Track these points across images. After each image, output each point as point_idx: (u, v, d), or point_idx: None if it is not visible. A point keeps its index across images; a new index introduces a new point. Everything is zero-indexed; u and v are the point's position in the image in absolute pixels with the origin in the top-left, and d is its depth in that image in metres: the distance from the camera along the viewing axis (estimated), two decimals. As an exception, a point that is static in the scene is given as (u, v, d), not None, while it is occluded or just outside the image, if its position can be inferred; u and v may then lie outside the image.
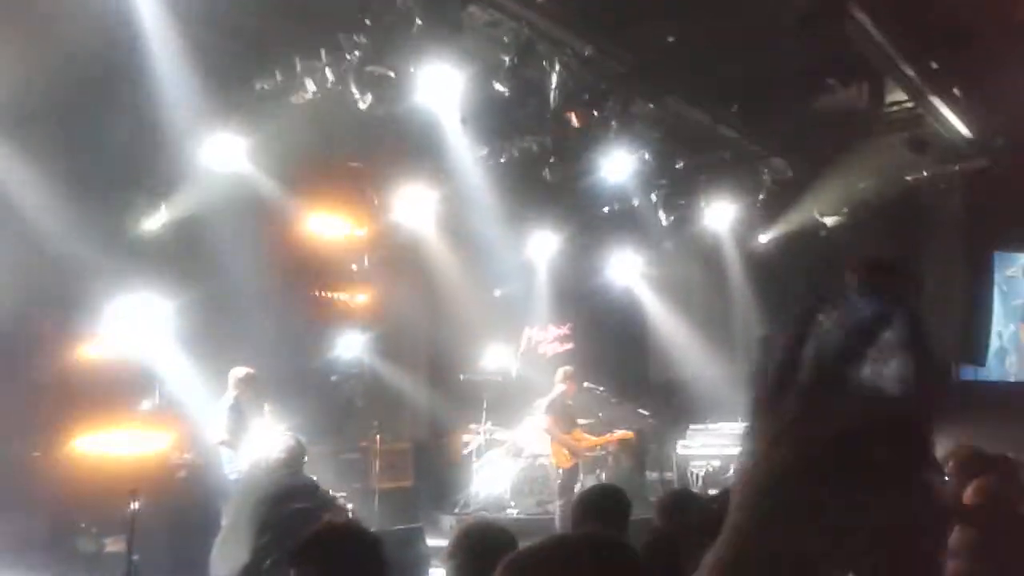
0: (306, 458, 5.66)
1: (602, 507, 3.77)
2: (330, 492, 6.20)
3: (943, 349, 12.05)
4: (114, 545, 7.61)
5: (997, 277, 13.66)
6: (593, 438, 10.63)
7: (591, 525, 3.64)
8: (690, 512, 3.87)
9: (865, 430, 0.91)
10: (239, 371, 8.31)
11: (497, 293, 12.79)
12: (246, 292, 9.20)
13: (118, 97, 7.58)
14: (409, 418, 12.19)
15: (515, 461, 11.25)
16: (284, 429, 8.02)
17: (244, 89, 8.06)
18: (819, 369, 0.95)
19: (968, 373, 13.26)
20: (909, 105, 9.81)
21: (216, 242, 8.92)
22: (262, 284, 9.34)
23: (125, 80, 7.41)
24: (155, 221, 9.06)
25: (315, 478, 5.82)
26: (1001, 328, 13.94)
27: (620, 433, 10.95)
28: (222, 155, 8.62)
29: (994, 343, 13.66)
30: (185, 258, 8.97)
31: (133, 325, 8.73)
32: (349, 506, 6.22)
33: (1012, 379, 14.03)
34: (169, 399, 8.77)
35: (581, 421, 10.71)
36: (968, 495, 4.22)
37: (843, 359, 0.95)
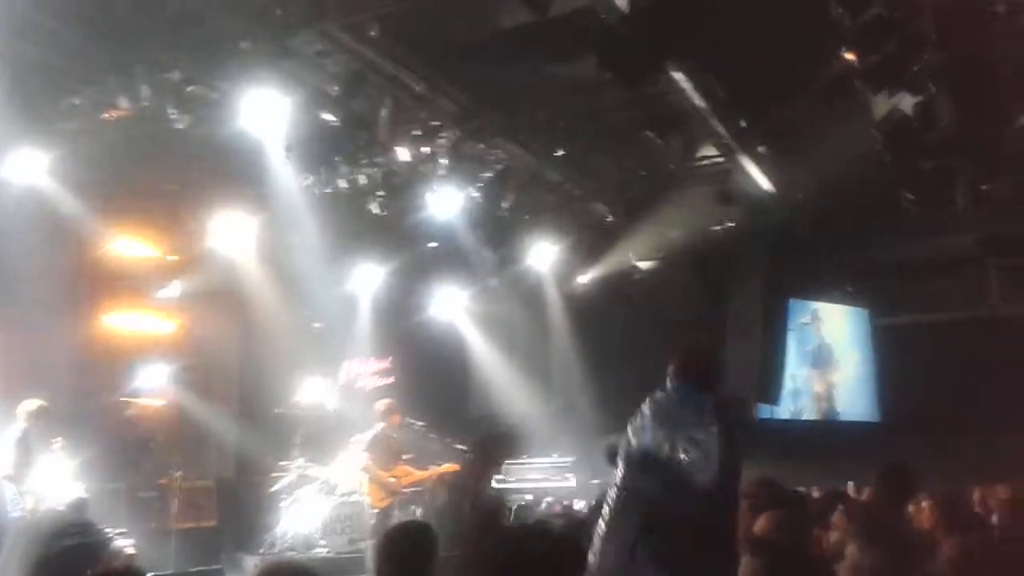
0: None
1: (402, 548, 3.71)
2: (107, 531, 5.80)
3: (742, 389, 12.80)
4: None
5: (792, 323, 14.68)
6: (417, 472, 10.49)
7: (392, 567, 3.58)
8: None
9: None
10: (30, 403, 7.70)
11: (317, 325, 12.48)
12: (40, 317, 8.53)
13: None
14: (215, 454, 11.62)
15: (327, 499, 10.94)
16: (74, 465, 7.50)
17: (52, 102, 7.53)
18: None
19: (764, 411, 14.13)
20: (718, 159, 10.42)
21: (9, 261, 8.23)
22: (57, 308, 8.69)
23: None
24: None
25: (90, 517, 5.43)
26: (795, 371, 14.97)
27: (445, 466, 10.89)
28: (22, 169, 8.01)
29: (788, 384, 14.64)
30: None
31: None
32: (129, 544, 5.82)
33: (804, 418, 15.10)
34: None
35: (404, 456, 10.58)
36: (759, 526, 4.45)
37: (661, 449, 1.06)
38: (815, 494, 7.04)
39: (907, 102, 7.65)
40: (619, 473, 2.58)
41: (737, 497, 3.00)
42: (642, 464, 2.52)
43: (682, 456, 2.57)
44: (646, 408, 2.67)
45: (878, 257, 13.39)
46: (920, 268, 13.01)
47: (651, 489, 2.51)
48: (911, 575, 2.87)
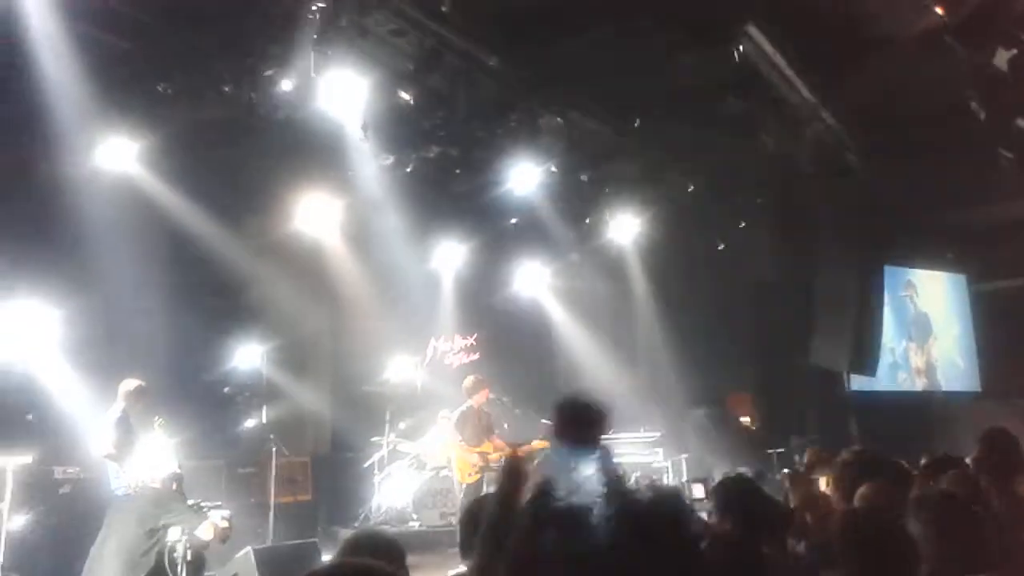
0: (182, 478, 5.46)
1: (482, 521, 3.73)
2: (203, 504, 6.00)
3: (834, 358, 12.46)
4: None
5: (889, 294, 14.20)
6: (507, 447, 10.56)
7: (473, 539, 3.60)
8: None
9: None
10: (129, 383, 7.99)
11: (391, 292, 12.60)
12: (137, 300, 8.87)
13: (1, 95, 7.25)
14: (310, 431, 11.94)
15: (419, 473, 11.14)
16: (174, 444, 7.78)
17: (139, 91, 7.79)
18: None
19: (862, 383, 13.75)
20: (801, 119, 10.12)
21: (105, 247, 8.57)
22: (154, 292, 9.02)
23: (10, 78, 7.09)
24: (42, 224, 8.66)
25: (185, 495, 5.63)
26: (894, 344, 14.51)
27: (537, 443, 10.95)
28: (113, 157, 8.32)
29: (888, 358, 14.19)
30: (72, 264, 8.59)
31: (16, 333, 8.32)
32: (225, 515, 6.00)
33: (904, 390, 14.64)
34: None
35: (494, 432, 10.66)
36: (857, 497, 4.36)
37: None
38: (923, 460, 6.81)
39: (1001, 57, 7.29)
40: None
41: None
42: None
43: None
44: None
45: (976, 219, 12.85)
46: (1020, 230, 12.41)
47: None
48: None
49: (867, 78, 9.01)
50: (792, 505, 5.29)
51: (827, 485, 4.78)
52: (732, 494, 3.94)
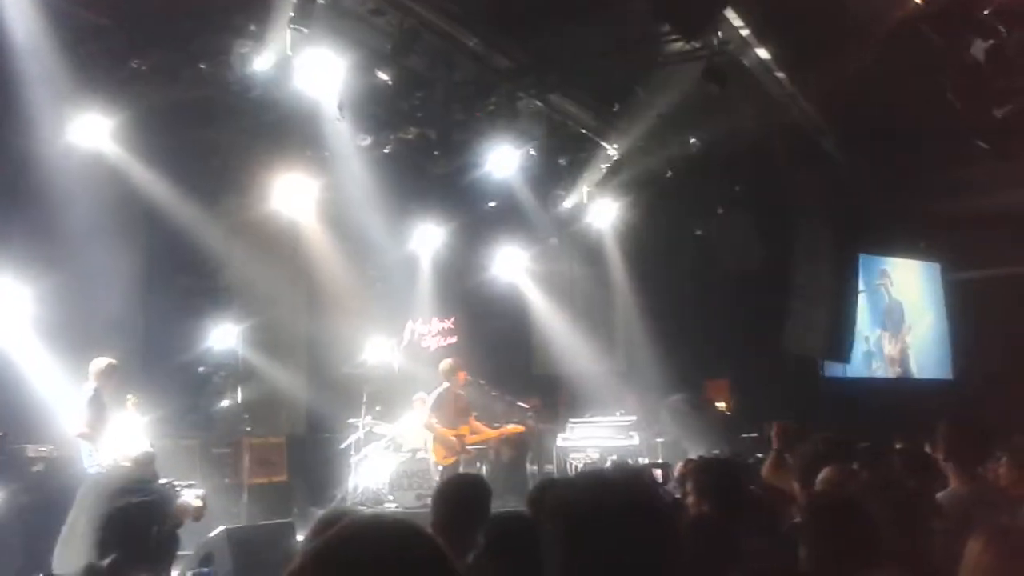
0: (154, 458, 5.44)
1: (454, 501, 3.76)
2: (175, 483, 5.98)
3: (809, 345, 12.57)
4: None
5: (865, 282, 14.32)
6: (483, 430, 10.61)
7: (444, 519, 3.63)
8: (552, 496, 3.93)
9: None
10: (100, 362, 7.94)
11: (379, 284, 12.63)
12: (111, 279, 8.79)
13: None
14: (285, 412, 11.90)
15: (395, 455, 11.15)
16: (147, 422, 7.74)
17: (113, 68, 7.69)
18: None
19: (836, 370, 13.89)
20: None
21: (78, 225, 8.48)
22: (128, 271, 8.95)
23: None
24: (14, 202, 8.55)
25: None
26: (868, 333, 14.65)
27: (512, 427, 10.99)
28: (87, 134, 8.21)
29: (862, 346, 14.34)
30: (44, 241, 8.50)
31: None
32: (198, 495, 5.97)
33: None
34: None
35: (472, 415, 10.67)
36: (819, 481, 4.41)
37: None
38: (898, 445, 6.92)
39: (978, 47, 7.34)
40: None
41: None
42: None
43: None
44: None
45: (951, 209, 12.97)
46: (995, 220, 12.54)
47: None
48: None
49: (844, 66, 9.05)
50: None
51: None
52: (710, 477, 4.00)
